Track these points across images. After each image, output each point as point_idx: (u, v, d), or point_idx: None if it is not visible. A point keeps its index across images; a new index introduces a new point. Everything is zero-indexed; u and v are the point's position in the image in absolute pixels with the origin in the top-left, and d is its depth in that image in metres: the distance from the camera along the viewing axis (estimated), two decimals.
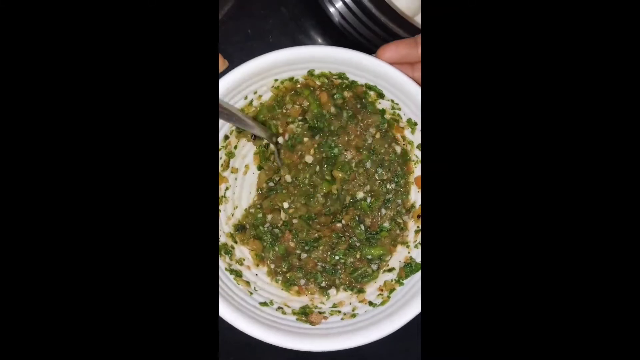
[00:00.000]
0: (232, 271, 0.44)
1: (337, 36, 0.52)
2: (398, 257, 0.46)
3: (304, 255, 0.46)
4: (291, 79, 0.44)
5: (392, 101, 0.44)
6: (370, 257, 0.46)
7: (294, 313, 0.43)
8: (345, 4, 0.46)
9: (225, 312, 0.40)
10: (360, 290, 0.45)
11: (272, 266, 0.46)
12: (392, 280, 0.45)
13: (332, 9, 0.49)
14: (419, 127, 0.44)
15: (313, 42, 0.54)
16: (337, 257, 0.45)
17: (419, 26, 0.45)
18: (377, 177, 0.46)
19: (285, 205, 0.46)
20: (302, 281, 0.46)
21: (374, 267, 0.46)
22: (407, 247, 0.46)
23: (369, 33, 0.47)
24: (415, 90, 0.40)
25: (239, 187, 0.47)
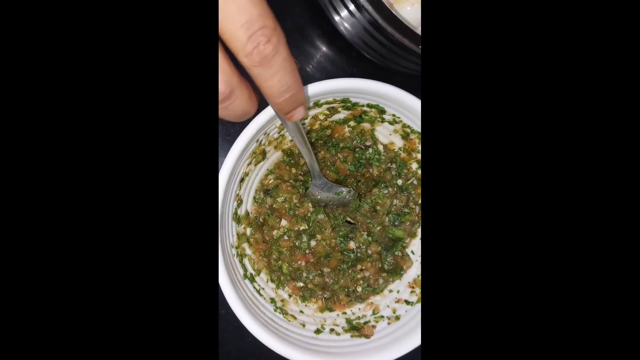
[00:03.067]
0: (279, 309, 0.46)
1: (343, 45, 0.52)
2: (418, 252, 0.49)
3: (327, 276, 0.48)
4: None
5: (394, 115, 0.46)
6: (392, 236, 0.49)
7: (345, 331, 0.46)
8: (350, 12, 0.46)
9: (289, 352, 0.41)
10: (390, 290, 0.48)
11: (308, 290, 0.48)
12: (418, 276, 0.48)
13: (337, 18, 0.49)
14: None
15: (319, 52, 0.54)
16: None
17: None
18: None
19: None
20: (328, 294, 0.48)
21: (397, 253, 0.49)
22: None
23: (374, 43, 0.47)
24: (415, 103, 0.42)
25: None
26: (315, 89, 0.41)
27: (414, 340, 0.42)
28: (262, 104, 0.48)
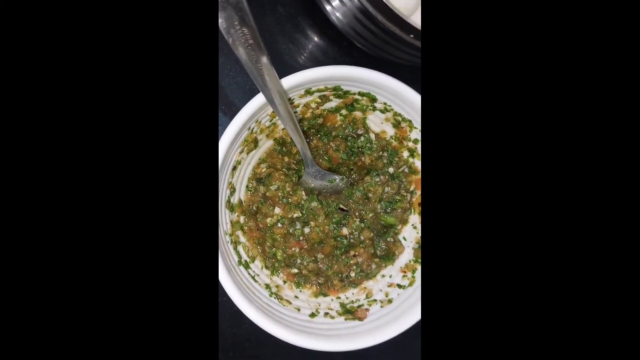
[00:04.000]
0: (274, 294, 0.46)
1: (334, 35, 0.52)
2: (410, 238, 0.50)
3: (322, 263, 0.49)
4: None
5: (385, 103, 0.46)
6: (384, 222, 0.50)
7: (339, 314, 0.47)
8: (341, 1, 0.47)
9: (284, 333, 0.42)
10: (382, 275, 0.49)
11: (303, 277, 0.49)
12: (410, 261, 0.49)
13: (328, 7, 0.49)
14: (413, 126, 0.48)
15: (310, 42, 0.54)
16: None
17: (416, 25, 0.45)
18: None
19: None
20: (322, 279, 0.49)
21: (389, 239, 0.49)
22: (415, 228, 0.50)
23: (365, 32, 0.48)
24: (406, 91, 0.43)
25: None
26: (306, 75, 0.41)
27: (406, 322, 0.43)
28: (253, 90, 0.49)
